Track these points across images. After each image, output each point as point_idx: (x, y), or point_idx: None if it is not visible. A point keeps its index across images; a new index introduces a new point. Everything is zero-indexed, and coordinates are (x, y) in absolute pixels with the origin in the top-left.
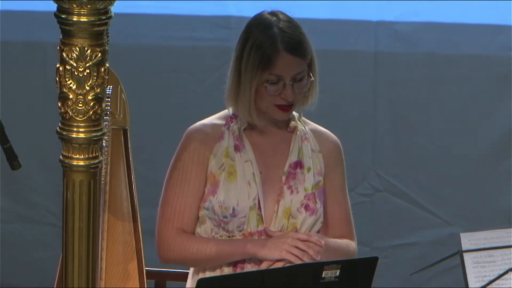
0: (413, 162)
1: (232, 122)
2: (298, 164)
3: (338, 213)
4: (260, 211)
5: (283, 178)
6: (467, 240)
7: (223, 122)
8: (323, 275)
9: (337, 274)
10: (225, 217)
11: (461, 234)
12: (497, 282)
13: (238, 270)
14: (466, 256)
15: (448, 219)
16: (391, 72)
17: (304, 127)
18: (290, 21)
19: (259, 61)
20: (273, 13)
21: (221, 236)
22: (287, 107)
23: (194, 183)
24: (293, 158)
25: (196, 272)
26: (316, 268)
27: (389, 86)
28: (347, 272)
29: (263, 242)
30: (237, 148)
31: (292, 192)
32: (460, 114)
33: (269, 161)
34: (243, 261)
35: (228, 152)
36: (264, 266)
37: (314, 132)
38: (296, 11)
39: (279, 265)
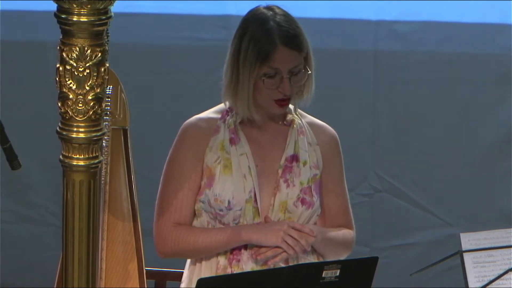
0: (413, 162)
1: (228, 115)
2: (294, 158)
3: (335, 204)
4: (256, 204)
5: (280, 171)
6: (467, 240)
7: (218, 116)
8: (323, 275)
9: (337, 274)
10: (221, 210)
11: (461, 234)
12: (497, 282)
13: (234, 258)
14: (466, 256)
15: (448, 219)
16: (391, 72)
17: (301, 120)
18: (286, 15)
19: (257, 56)
20: (269, 8)
21: None
22: (285, 101)
23: (190, 177)
24: (289, 151)
25: (193, 263)
26: (316, 268)
27: (389, 86)
28: (347, 272)
29: (257, 227)
30: (232, 141)
31: (288, 185)
32: (460, 114)
33: (266, 155)
34: (239, 249)
35: (224, 145)
36: (259, 253)
37: (311, 125)
38: (296, 10)
39: (272, 251)
